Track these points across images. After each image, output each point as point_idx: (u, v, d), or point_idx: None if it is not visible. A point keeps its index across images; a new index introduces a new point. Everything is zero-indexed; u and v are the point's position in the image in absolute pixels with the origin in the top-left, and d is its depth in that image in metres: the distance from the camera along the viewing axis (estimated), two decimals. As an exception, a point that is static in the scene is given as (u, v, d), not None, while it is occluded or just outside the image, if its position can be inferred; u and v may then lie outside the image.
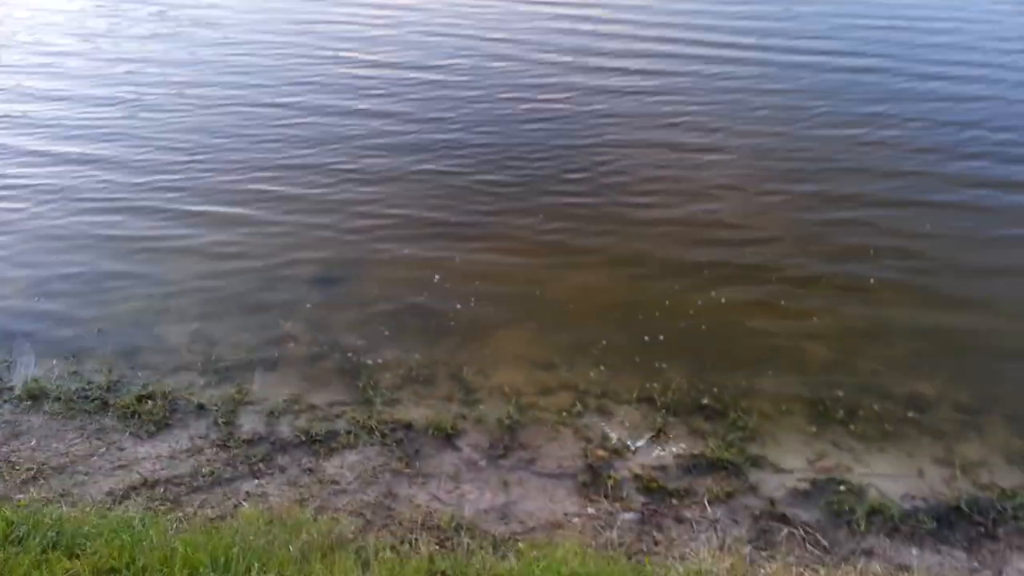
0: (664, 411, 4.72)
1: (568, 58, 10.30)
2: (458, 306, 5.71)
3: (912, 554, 3.75)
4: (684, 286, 5.82)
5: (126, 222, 6.77)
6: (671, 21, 11.71)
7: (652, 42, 10.91)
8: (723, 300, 5.67)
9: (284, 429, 4.61)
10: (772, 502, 4.07)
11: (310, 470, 4.29)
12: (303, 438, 4.52)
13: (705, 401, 4.81)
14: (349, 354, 5.28)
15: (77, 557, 2.96)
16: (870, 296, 5.72)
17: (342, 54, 10.63)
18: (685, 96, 9.12)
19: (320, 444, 4.48)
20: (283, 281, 6.03)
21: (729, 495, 4.14)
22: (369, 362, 5.21)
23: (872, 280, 5.87)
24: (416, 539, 3.70)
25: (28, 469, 4.19)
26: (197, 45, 11.20)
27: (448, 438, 4.56)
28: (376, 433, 4.56)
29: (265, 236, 6.59)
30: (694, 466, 4.36)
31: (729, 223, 6.68)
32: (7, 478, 4.07)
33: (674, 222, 6.72)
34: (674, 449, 4.48)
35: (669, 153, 7.88)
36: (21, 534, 3.08)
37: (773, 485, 4.19)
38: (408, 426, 4.65)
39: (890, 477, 4.23)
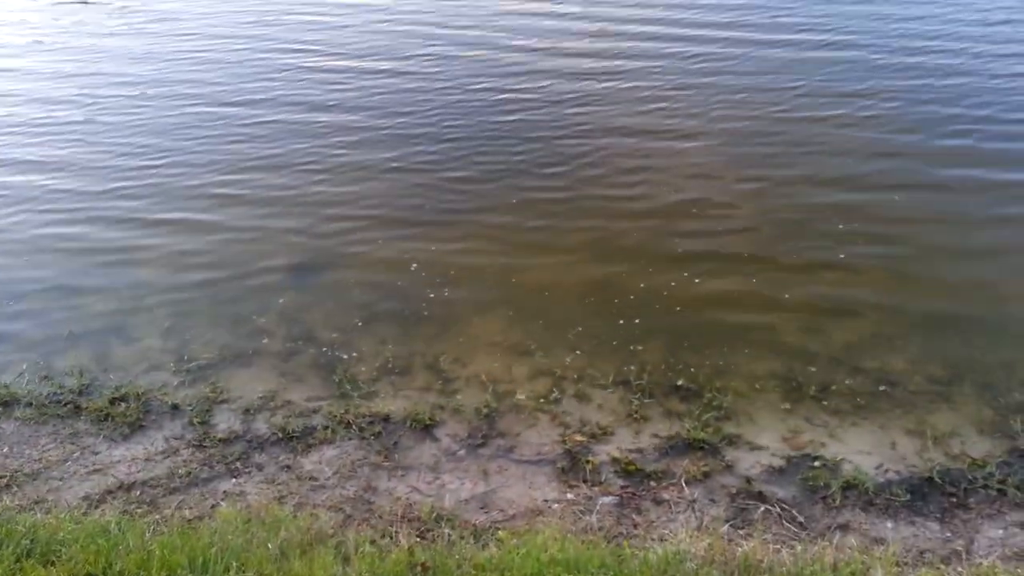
0: (640, 394, 4.75)
1: (539, 45, 10.22)
2: (432, 296, 5.70)
3: (887, 527, 3.81)
4: (658, 269, 5.83)
5: (91, 228, 6.66)
6: (643, 1, 11.60)
7: (624, 24, 10.82)
8: (697, 281, 5.70)
9: (260, 426, 4.59)
10: (748, 480, 4.12)
11: (288, 467, 4.28)
12: (280, 435, 4.50)
13: (680, 382, 4.84)
14: (324, 348, 5.26)
15: (52, 564, 2.94)
16: (843, 276, 5.75)
17: (308, 47, 10.50)
18: (659, 81, 9.04)
19: (297, 440, 4.46)
20: (255, 279, 5.98)
21: (706, 475, 4.17)
22: (344, 356, 5.19)
23: (844, 260, 5.89)
24: (396, 532, 3.70)
25: (0, 477, 4.14)
26: (157, 41, 11.00)
27: (426, 429, 4.56)
28: (354, 427, 4.55)
29: (234, 235, 6.52)
30: (671, 447, 4.39)
31: (703, 206, 6.68)
32: (-21, 487, 4.02)
33: (649, 207, 6.71)
34: (651, 431, 4.51)
35: (644, 139, 7.84)
36: (-6, 543, 3.05)
37: (749, 463, 4.24)
38: (386, 418, 4.65)
39: (864, 451, 4.29)
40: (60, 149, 7.84)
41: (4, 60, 10.35)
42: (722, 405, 4.62)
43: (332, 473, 4.23)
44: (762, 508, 3.92)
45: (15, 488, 4.06)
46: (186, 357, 5.15)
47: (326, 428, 4.55)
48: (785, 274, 5.77)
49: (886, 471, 4.16)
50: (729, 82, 8.95)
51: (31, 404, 4.72)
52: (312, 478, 4.19)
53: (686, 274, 5.75)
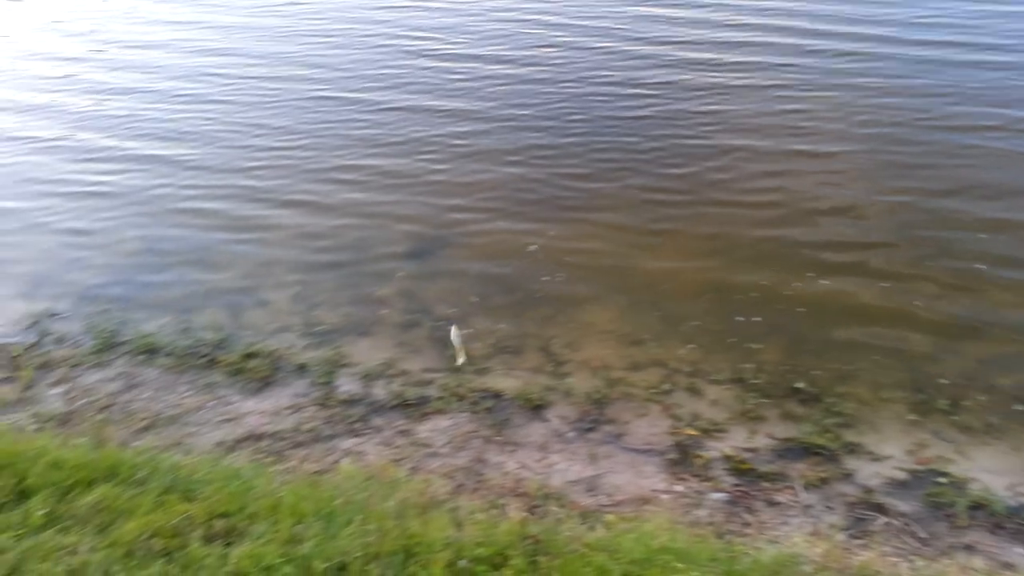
0: (756, 393, 4.66)
1: (669, 37, 9.88)
2: (547, 280, 5.75)
3: (1017, 552, 3.61)
4: (782, 269, 5.67)
5: (230, 203, 6.92)
6: (781, 7, 10.77)
7: (762, 15, 10.35)
8: (824, 283, 5.51)
9: (379, 392, 4.76)
10: (868, 490, 3.98)
11: (404, 432, 4.43)
12: (397, 401, 4.66)
13: (800, 385, 4.71)
14: (441, 321, 5.39)
15: (192, 501, 3.15)
16: (983, 293, 5.39)
17: (436, 35, 10.49)
18: (797, 78, 8.61)
19: (413, 408, 4.61)
20: (377, 255, 6.17)
21: (823, 481, 4.06)
22: (461, 331, 5.31)
23: (986, 277, 5.52)
24: (505, 504, 3.78)
25: (144, 419, 4.46)
26: (291, 23, 11.27)
27: (536, 409, 4.62)
28: (466, 400, 4.66)
29: (358, 215, 6.70)
30: (786, 450, 4.29)
31: (838, 213, 6.38)
32: (126, 426, 4.35)
33: (778, 213, 6.45)
34: (766, 431, 4.42)
35: (778, 141, 7.55)
36: (142, 477, 3.29)
37: (869, 473, 4.09)
38: (497, 395, 4.74)
39: (995, 471, 4.07)
40: (199, 125, 8.21)
41: (147, 34, 10.94)
42: (843, 412, 4.48)
43: (445, 442, 4.35)
44: (882, 520, 3.79)
45: (157, 429, 4.37)
46: (312, 322, 5.39)
47: (440, 399, 4.68)
48: (920, 286, 5.48)
49: (1019, 494, 3.94)
50: (874, 83, 8.39)
51: (171, 354, 5.06)
52: (426, 445, 4.32)
53: (811, 275, 5.58)
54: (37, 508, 3.05)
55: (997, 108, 7.72)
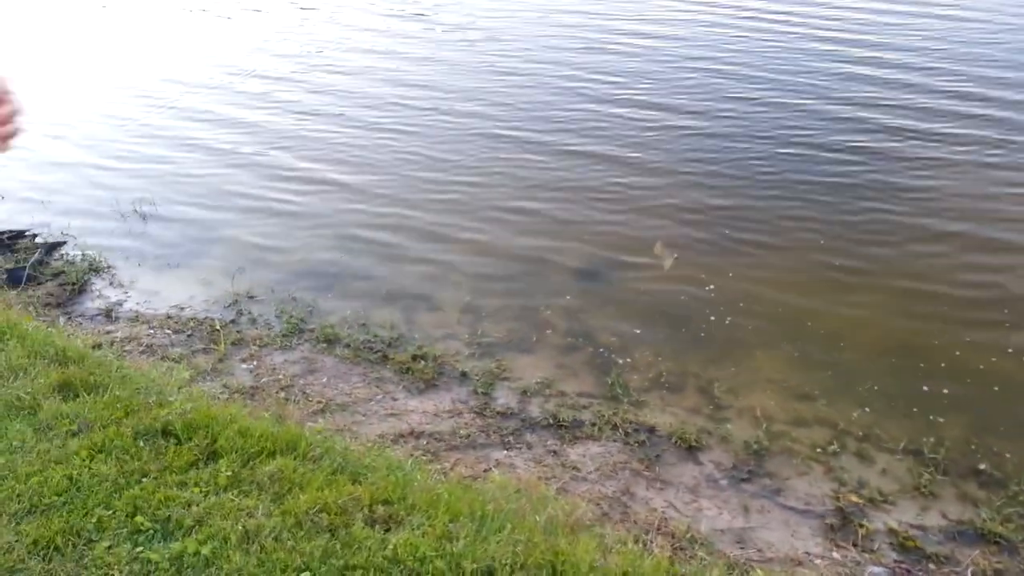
0: (933, 468, 4.34)
1: (870, 112, 8.84)
2: (716, 320, 5.64)
3: None
4: (979, 337, 5.27)
5: (419, 215, 7.21)
6: (1004, 78, 9.56)
7: (974, 102, 8.95)
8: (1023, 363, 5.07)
9: (534, 409, 4.85)
10: (1053, 593, 3.61)
11: (555, 452, 4.48)
12: (551, 421, 4.73)
13: (983, 467, 4.34)
14: (601, 349, 5.42)
15: (358, 483, 3.35)
16: None
17: (622, 79, 10.21)
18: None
19: (566, 430, 4.66)
20: (549, 270, 6.31)
21: (997, 572, 3.72)
22: (619, 360, 5.32)
23: None
24: (650, 540, 3.74)
25: (318, 402, 4.79)
26: (478, 58, 11.34)
27: (691, 450, 4.54)
28: (620, 430, 4.65)
29: (536, 230, 6.87)
30: (959, 533, 3.97)
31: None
32: (303, 407, 4.69)
33: (977, 267, 6.06)
34: (938, 510, 4.11)
35: (988, 190, 7.08)
36: (316, 454, 3.54)
37: (1057, 575, 3.71)
38: (651, 429, 4.69)
39: None
40: (384, 153, 8.41)
41: (346, 61, 11.54)
42: (1032, 502, 4.08)
43: (594, 468, 4.36)
44: (1067, 628, 3.42)
45: (328, 414, 4.68)
46: (478, 332, 5.57)
47: (593, 425, 4.70)
48: None
49: None
50: None
51: (349, 346, 5.40)
52: (575, 468, 4.35)
53: (1011, 351, 5.14)
54: (224, 469, 3.35)
55: None
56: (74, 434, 3.59)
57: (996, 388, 4.88)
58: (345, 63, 10.96)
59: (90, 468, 3.33)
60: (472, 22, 12.25)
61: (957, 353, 5.17)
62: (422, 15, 12.71)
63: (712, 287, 5.99)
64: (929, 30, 10.89)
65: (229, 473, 3.35)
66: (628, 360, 5.32)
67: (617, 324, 5.67)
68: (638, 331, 5.58)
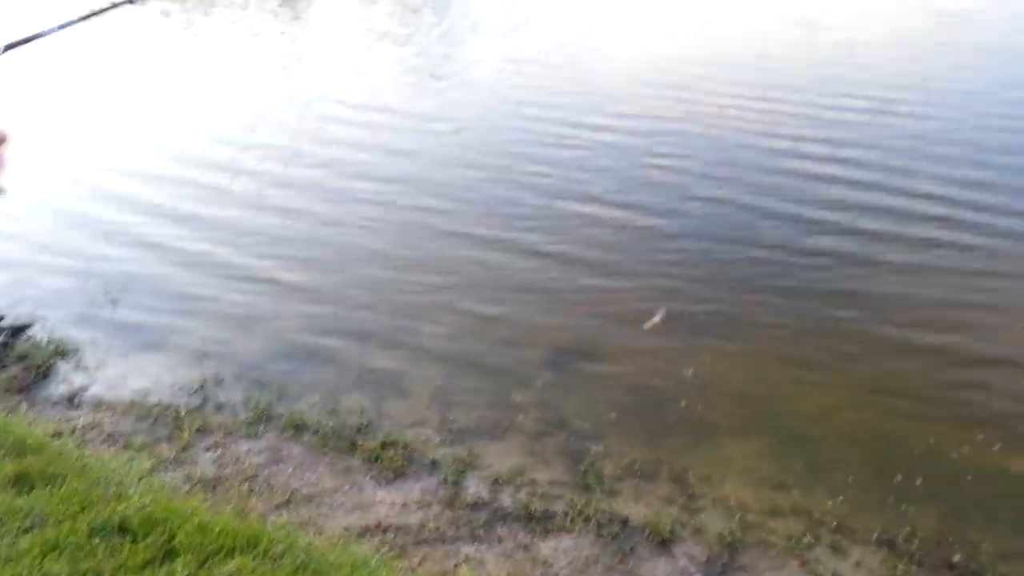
0: (907, 560, 4.29)
1: (837, 214, 8.75)
2: (690, 406, 5.63)
3: None
4: (953, 427, 5.29)
5: (389, 298, 7.19)
6: (970, 178, 9.52)
7: (939, 202, 8.88)
8: (996, 450, 5.08)
9: (505, 499, 4.76)
10: None
11: (526, 547, 4.37)
12: (522, 512, 4.63)
13: (957, 559, 4.30)
14: (573, 436, 5.37)
15: (320, 584, 3.24)
16: None
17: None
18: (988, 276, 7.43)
19: (537, 522, 4.56)
20: (522, 353, 6.29)
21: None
22: (592, 447, 5.26)
23: None
24: (623, 641, 3.63)
25: (283, 494, 4.67)
26: (435, 164, 11.93)
27: (664, 543, 4.45)
28: (592, 522, 4.56)
29: (508, 318, 6.85)
30: (938, 630, 3.90)
31: (1010, 360, 5.98)
32: (267, 499, 4.56)
33: (950, 354, 6.12)
34: (916, 606, 4.04)
35: (958, 279, 7.23)
36: (278, 552, 3.43)
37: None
38: (624, 521, 4.60)
39: None
40: (337, 249, 8.60)
41: (316, 154, 11.82)
42: (1007, 596, 4.03)
43: (567, 563, 4.25)
44: None
45: (292, 506, 4.56)
46: (449, 418, 5.51)
47: (566, 515, 4.60)
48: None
49: None
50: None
51: (317, 432, 5.30)
52: (547, 563, 4.24)
53: (984, 438, 5.15)
54: (180, 570, 3.23)
55: None
56: (27, 530, 3.46)
57: (969, 478, 4.87)
58: (313, 156, 10.72)
59: (41, 567, 3.20)
60: (441, 114, 12.34)
61: (931, 441, 5.18)
62: (389, 108, 12.67)
63: (686, 375, 5.99)
64: (898, 130, 10.99)
65: (185, 574, 3.22)
66: (601, 447, 5.26)
67: (589, 410, 5.63)
68: (611, 417, 5.54)
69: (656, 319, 5.16)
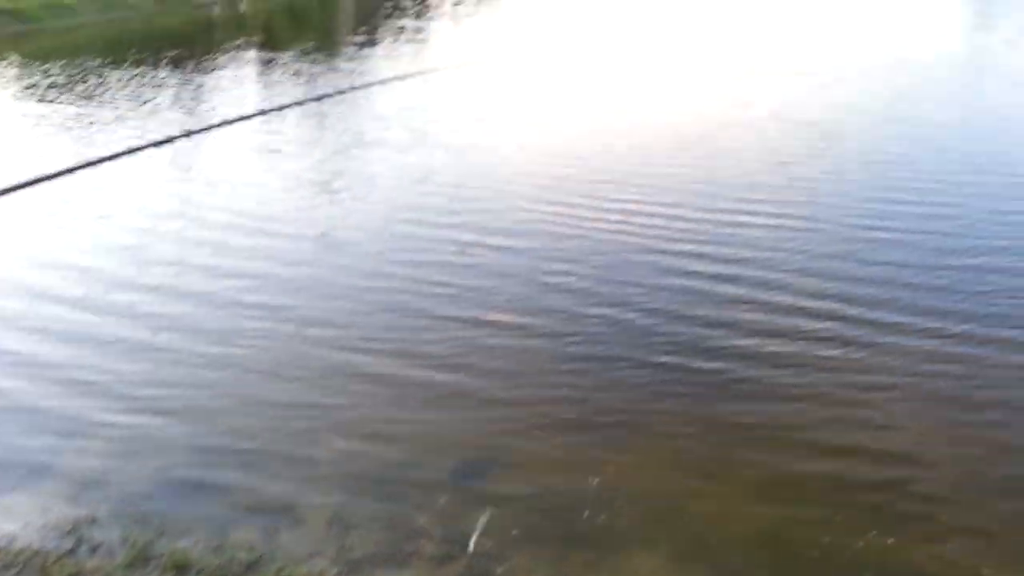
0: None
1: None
2: (593, 516, 5.57)
3: None
4: (846, 523, 5.41)
5: (282, 425, 7.01)
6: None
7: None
8: (890, 543, 5.21)
9: (407, 633, 4.51)
10: None
11: None
12: (425, 646, 4.39)
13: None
14: (478, 558, 5.20)
15: None
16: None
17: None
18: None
19: (442, 655, 4.33)
20: (423, 472, 6.12)
21: None
22: (498, 569, 5.10)
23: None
24: None
25: (163, 644, 4.28)
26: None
27: (573, 666, 4.29)
28: (499, 650, 4.37)
29: (413, 423, 6.73)
30: None
31: (903, 459, 6.21)
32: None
33: (846, 455, 6.29)
34: None
35: (851, 379, 7.49)
36: None
37: None
38: (532, 647, 4.43)
39: None
40: (212, 387, 8.46)
41: (179, 277, 11.50)
42: None
43: None
44: None
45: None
46: (347, 547, 5.25)
47: (472, 647, 4.40)
48: (990, 548, 5.15)
49: None
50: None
51: (202, 571, 4.94)
52: None
53: (876, 534, 5.28)
54: None
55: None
56: None
57: (868, 574, 4.96)
58: (202, 271, 10.20)
59: None
60: (336, 227, 12.15)
61: (827, 541, 5.26)
62: (281, 220, 12.42)
63: (590, 485, 5.94)
64: (781, 238, 11.26)
65: None
66: (506, 568, 5.11)
67: (494, 528, 5.48)
68: (515, 534, 5.41)
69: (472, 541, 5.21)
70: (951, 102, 19.21)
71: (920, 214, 11.91)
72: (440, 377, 7.63)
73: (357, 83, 17.28)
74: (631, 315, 9.00)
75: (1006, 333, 8.29)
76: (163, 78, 22.66)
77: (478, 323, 8.80)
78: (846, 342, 8.31)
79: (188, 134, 10.79)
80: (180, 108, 19.20)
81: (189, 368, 7.81)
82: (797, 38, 30.16)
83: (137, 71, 23.33)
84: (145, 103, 19.59)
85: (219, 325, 8.74)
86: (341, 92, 14.41)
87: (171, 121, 17.73)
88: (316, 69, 23.30)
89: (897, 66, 23.05)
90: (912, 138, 15.87)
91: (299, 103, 11.17)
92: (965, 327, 8.47)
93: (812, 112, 17.70)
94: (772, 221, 12.10)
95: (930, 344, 8.18)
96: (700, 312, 9.04)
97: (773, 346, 8.24)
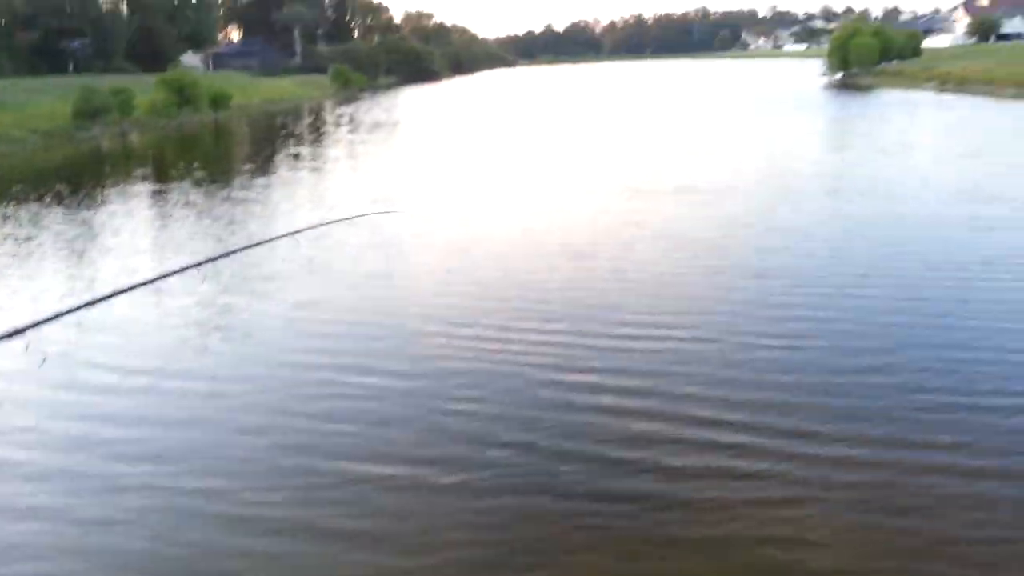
0: None
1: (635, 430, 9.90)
2: None
3: None
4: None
5: None
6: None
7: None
8: None
9: None
10: None
11: None
12: None
13: None
14: None
15: None
16: None
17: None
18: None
19: None
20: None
21: None
22: None
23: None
24: None
25: None
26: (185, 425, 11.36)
27: None
28: None
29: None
30: None
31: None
32: None
33: (759, 570, 6.36)
34: None
35: (766, 508, 7.45)
36: None
37: None
38: None
39: None
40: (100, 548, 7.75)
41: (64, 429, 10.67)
42: None
43: None
44: None
45: None
46: None
47: None
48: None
49: None
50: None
51: None
52: None
53: None
54: None
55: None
56: None
57: None
58: (65, 438, 9.34)
59: None
60: (219, 375, 11.16)
61: None
62: (160, 371, 11.76)
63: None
64: (681, 356, 11.31)
65: None
66: None
67: None
68: None
69: None
70: (823, 212, 20.44)
71: (809, 319, 12.37)
72: (334, 547, 7.06)
73: (245, 242, 16.85)
74: (532, 452, 8.67)
75: (902, 435, 8.45)
76: (43, 215, 21.78)
77: (376, 476, 8.23)
78: (758, 452, 8.35)
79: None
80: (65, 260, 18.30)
81: (52, 562, 6.97)
82: (675, 153, 31.91)
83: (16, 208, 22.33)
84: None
85: (86, 503, 7.77)
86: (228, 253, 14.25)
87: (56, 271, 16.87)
88: (204, 223, 22.83)
89: (769, 180, 24.61)
90: (791, 248, 16.67)
91: (196, 264, 10.79)
92: (875, 432, 8.64)
93: (697, 229, 18.48)
94: (673, 336, 12.18)
95: (840, 451, 8.28)
96: (602, 443, 8.78)
97: (680, 476, 8.08)
